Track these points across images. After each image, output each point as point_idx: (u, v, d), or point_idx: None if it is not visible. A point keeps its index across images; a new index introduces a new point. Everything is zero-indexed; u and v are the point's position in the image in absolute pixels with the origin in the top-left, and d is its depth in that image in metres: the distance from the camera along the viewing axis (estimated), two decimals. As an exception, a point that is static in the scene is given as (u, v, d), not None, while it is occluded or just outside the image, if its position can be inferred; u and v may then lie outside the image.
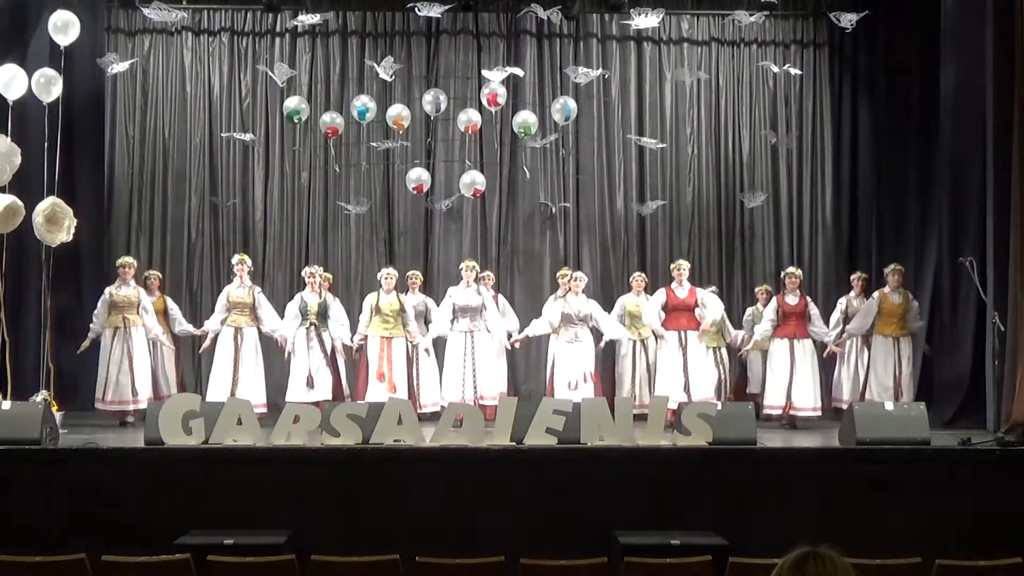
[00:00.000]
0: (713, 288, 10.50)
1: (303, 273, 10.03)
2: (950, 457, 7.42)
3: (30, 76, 8.95)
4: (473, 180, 10.62)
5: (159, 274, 10.53)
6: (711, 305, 9.81)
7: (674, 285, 9.86)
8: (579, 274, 10.11)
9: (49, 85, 9.05)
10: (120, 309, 9.48)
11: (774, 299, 9.95)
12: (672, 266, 10.14)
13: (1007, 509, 6.95)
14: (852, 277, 10.25)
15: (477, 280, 9.93)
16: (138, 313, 9.51)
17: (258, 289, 9.88)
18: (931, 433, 7.61)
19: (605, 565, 5.36)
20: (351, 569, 5.39)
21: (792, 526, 6.33)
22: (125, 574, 5.35)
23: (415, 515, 6.82)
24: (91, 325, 9.52)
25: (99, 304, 9.52)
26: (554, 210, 11.55)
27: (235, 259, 9.92)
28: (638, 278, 10.32)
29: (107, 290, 9.57)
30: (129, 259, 9.87)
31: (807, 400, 9.62)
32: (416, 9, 10.36)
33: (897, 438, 7.37)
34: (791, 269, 10.15)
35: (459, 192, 10.95)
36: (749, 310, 10.73)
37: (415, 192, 10.96)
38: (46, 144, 9.16)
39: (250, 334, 9.62)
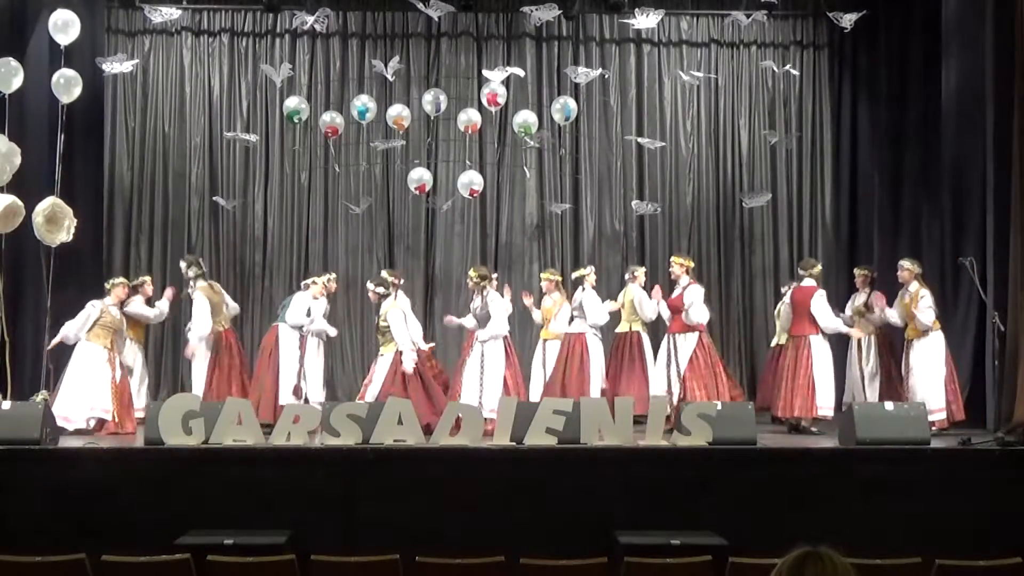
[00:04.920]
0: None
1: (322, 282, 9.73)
2: (950, 457, 7.42)
3: (27, 76, 8.95)
4: (470, 180, 10.62)
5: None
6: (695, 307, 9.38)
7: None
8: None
9: (70, 86, 9.09)
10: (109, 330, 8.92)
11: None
12: None
13: (1007, 509, 6.94)
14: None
15: (482, 289, 9.30)
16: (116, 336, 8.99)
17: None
18: (931, 433, 7.62)
19: (605, 565, 5.36)
20: (351, 569, 5.39)
21: (792, 526, 6.33)
22: (125, 574, 5.35)
23: (415, 515, 6.81)
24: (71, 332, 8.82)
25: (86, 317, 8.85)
26: (559, 211, 11.53)
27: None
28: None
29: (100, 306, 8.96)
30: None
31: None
32: (419, 4, 10.32)
33: (897, 438, 7.37)
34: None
35: (457, 192, 10.95)
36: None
37: (418, 192, 10.95)
38: (46, 144, 9.15)
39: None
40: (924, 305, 8.93)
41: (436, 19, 10.75)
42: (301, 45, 11.78)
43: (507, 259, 11.67)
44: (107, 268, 11.02)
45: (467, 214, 11.68)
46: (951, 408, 8.88)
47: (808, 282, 9.14)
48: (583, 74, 10.84)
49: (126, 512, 6.73)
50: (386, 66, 10.73)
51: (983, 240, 9.15)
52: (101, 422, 8.62)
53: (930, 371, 8.91)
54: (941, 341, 9.02)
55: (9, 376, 8.77)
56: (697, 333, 9.27)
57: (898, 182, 11.09)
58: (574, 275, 10.10)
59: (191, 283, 9.48)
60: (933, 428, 8.25)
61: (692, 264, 9.69)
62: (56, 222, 8.65)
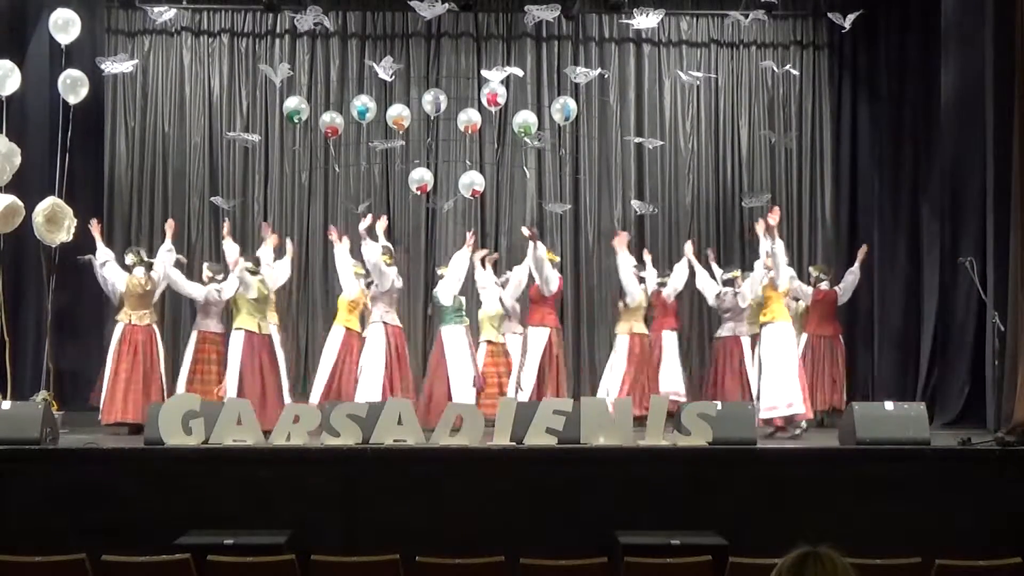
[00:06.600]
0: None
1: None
2: (950, 457, 7.42)
3: (27, 76, 8.95)
4: (472, 181, 10.61)
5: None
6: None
7: None
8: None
9: (76, 86, 9.10)
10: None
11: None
12: None
13: (1007, 509, 6.94)
14: None
15: None
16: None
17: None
18: (931, 433, 7.62)
19: (605, 565, 5.36)
20: (351, 569, 5.39)
21: (792, 526, 6.32)
22: (125, 574, 5.35)
23: (415, 515, 6.81)
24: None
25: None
26: (559, 211, 11.52)
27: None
28: None
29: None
30: None
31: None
32: (417, 4, 10.31)
33: (897, 438, 7.36)
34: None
35: (459, 192, 10.95)
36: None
37: (419, 193, 10.94)
38: (46, 144, 9.15)
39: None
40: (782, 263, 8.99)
41: (427, 19, 10.68)
42: (301, 45, 11.78)
43: (507, 259, 11.66)
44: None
45: (467, 215, 11.68)
46: (807, 403, 8.86)
47: (826, 286, 9.81)
48: (583, 74, 10.82)
49: (126, 512, 6.72)
50: (378, 64, 10.70)
51: (983, 240, 9.15)
52: None
53: (784, 360, 8.79)
54: (791, 329, 9.02)
55: (9, 376, 8.77)
56: (548, 329, 9.58)
57: (898, 182, 11.09)
58: (724, 276, 10.23)
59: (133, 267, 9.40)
60: (801, 423, 8.62)
61: (557, 259, 10.03)
62: (56, 222, 8.65)
